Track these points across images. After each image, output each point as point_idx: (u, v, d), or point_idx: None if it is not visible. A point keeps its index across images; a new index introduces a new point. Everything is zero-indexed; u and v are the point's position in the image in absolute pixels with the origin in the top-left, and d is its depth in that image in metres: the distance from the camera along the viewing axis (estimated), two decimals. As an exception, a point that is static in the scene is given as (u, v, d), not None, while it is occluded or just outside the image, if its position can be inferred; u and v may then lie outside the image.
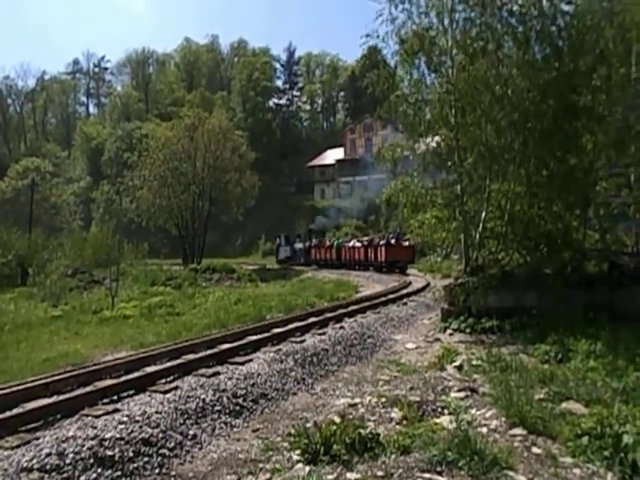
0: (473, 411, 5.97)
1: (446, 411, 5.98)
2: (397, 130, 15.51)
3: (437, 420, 5.64)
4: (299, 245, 42.06)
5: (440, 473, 4.38)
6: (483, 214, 11.75)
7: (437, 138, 12.50)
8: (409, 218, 12.77)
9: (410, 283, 21.71)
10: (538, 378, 6.89)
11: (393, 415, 5.92)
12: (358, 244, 34.65)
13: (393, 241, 30.69)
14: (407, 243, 29.66)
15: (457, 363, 8.24)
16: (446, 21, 11.54)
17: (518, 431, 5.27)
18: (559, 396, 6.05)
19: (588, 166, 11.70)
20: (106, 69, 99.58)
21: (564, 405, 5.79)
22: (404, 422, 5.67)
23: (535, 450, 4.88)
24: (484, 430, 5.34)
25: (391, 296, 16.70)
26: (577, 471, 4.45)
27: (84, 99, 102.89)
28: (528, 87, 10.93)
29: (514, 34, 11.08)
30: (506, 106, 11.05)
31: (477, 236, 11.82)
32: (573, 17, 11.12)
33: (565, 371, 7.18)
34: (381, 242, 31.23)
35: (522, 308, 10.85)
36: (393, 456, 4.70)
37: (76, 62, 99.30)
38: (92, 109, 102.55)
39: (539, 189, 11.52)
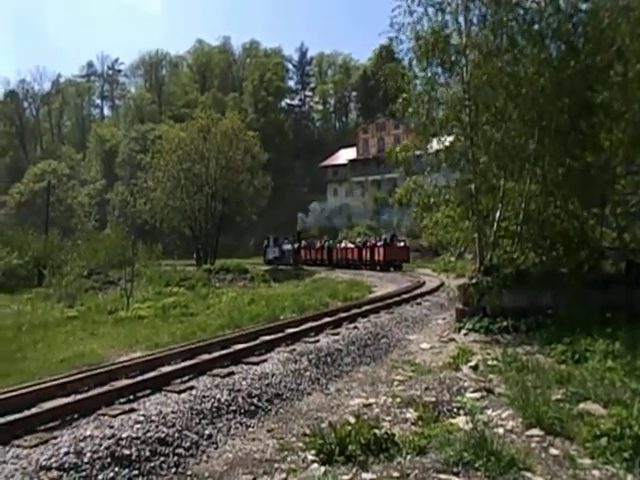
0: (489, 412, 5.92)
1: (462, 412, 5.94)
2: (409, 130, 15.45)
3: (453, 421, 5.61)
4: (287, 246, 42.95)
5: (456, 474, 4.35)
6: (497, 213, 11.66)
7: (450, 137, 12.43)
8: (422, 217, 12.71)
9: (424, 283, 21.62)
10: (555, 378, 6.81)
11: (408, 415, 5.89)
12: (351, 245, 37.38)
13: (388, 242, 33.57)
14: (402, 244, 33.98)
15: (472, 363, 8.18)
16: (461, 19, 11.47)
17: (535, 432, 5.21)
18: (577, 397, 5.98)
19: (605, 164, 11.55)
20: (120, 71, 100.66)
21: (582, 406, 5.71)
22: (419, 422, 5.64)
23: (553, 451, 4.83)
24: (500, 431, 5.29)
25: (405, 296, 16.63)
26: (596, 473, 4.39)
27: (99, 101, 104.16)
28: (543, 85, 10.82)
29: (529, 32, 10.98)
30: (521, 104, 10.96)
31: (491, 235, 11.73)
32: (589, 14, 10.99)
33: (582, 371, 7.10)
34: (378, 243, 33.70)
35: (538, 308, 10.73)
36: (409, 457, 4.67)
37: (90, 65, 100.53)
38: (106, 111, 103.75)
39: (555, 187, 11.40)
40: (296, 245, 42.35)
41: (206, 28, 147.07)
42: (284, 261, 41.23)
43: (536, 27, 11.02)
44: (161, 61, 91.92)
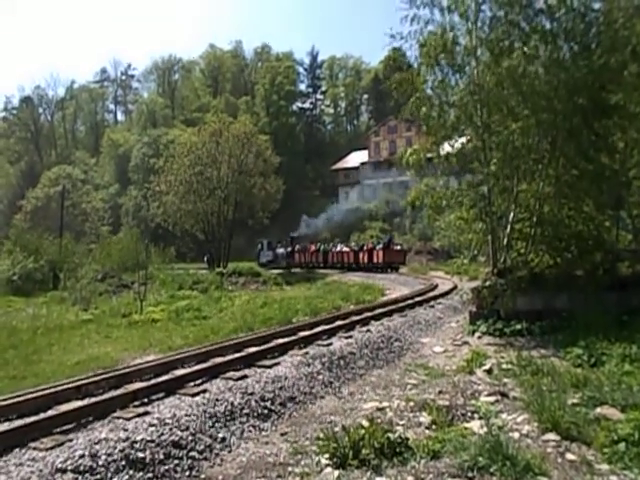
0: (504, 416, 5.87)
1: (476, 415, 5.90)
2: (421, 132, 15.41)
3: (467, 425, 5.57)
4: (280, 250, 44.00)
5: (471, 479, 4.31)
6: (511, 215, 11.58)
7: (462, 139, 12.37)
8: (434, 220, 12.66)
9: (437, 286, 21.51)
10: (571, 382, 6.74)
11: (422, 419, 5.86)
12: (346, 249, 39.24)
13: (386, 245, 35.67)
14: (399, 247, 36.98)
15: (486, 367, 8.12)
16: (471, 20, 11.42)
17: (551, 436, 5.16)
18: (593, 401, 5.91)
19: (620, 165, 11.44)
20: (133, 77, 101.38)
21: (599, 410, 5.64)
22: (433, 426, 5.61)
23: (569, 456, 4.77)
24: (516, 435, 5.24)
25: (418, 299, 16.56)
26: (614, 479, 4.33)
27: (112, 106, 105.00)
28: (556, 85, 10.74)
29: (542, 32, 10.91)
30: (533, 105, 10.88)
31: (505, 237, 11.65)
32: (603, 13, 10.90)
33: (599, 375, 7.02)
34: (377, 246, 35.75)
35: (552, 311, 10.64)
36: (423, 461, 4.65)
37: (104, 71, 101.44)
38: (120, 116, 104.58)
39: (569, 189, 11.30)
40: (289, 249, 43.39)
41: (217, 33, 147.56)
42: (277, 264, 41.92)
43: (548, 27, 10.95)
44: (174, 66, 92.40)
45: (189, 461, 5.06)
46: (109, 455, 4.73)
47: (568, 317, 10.24)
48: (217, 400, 6.28)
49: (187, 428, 5.51)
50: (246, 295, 21.21)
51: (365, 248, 36.83)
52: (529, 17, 11.05)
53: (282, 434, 5.85)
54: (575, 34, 10.93)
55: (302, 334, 10.17)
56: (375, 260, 34.75)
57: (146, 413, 5.76)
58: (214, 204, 39.68)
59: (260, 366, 7.88)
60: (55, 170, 67.81)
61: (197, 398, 6.30)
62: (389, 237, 38.07)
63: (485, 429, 5.21)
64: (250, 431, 5.90)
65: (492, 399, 6.46)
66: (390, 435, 4.93)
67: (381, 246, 35.24)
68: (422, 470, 4.47)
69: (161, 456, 4.96)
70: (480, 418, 5.77)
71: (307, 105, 79.47)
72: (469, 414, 5.95)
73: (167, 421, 5.53)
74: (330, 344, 9.52)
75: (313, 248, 42.03)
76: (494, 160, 11.49)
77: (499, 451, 4.47)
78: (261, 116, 70.05)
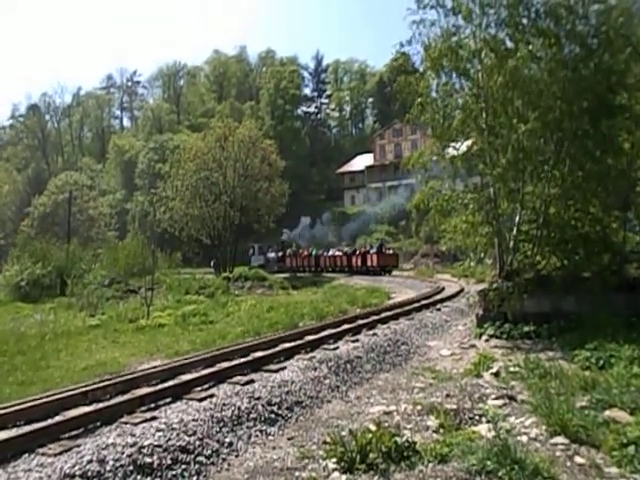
0: (512, 419, 5.84)
1: (484, 419, 5.87)
2: (427, 135, 15.41)
3: (475, 428, 5.54)
4: (271, 254, 45.37)
5: (479, 483, 4.29)
6: (517, 217, 11.54)
7: (468, 142, 12.36)
8: (440, 223, 12.63)
9: (443, 288, 21.46)
10: (579, 385, 6.71)
11: (429, 423, 5.84)
12: (339, 253, 41.28)
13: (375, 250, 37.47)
14: (391, 251, 39.06)
15: (494, 370, 8.09)
16: (475, 23, 11.42)
17: (560, 440, 5.13)
18: (602, 404, 5.88)
19: (627, 166, 11.38)
20: (138, 83, 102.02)
21: (607, 413, 5.61)
22: (441, 430, 5.59)
23: (578, 460, 4.74)
24: (524, 439, 5.22)
25: (424, 302, 16.52)
26: (624, 482, 4.30)
27: (118, 113, 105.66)
28: (561, 87, 10.72)
29: (545, 34, 10.90)
30: (538, 107, 10.86)
31: (511, 240, 11.61)
32: (604, 15, 10.88)
33: (608, 378, 6.97)
34: (371, 250, 37.44)
35: (560, 313, 10.59)
36: (430, 465, 4.63)
37: (110, 77, 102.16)
38: (126, 122, 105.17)
39: (575, 190, 11.25)
40: (280, 254, 44.51)
41: (223, 38, 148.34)
42: (268, 268, 42.41)
43: (550, 29, 10.94)
44: (179, 72, 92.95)
45: (196, 466, 5.07)
46: (117, 460, 4.74)
47: (576, 319, 10.19)
48: (224, 405, 6.28)
49: (194, 433, 5.51)
50: (252, 299, 21.20)
51: (358, 252, 38.42)
52: (532, 19, 11.04)
53: (289, 438, 5.85)
54: (577, 35, 10.92)
55: (308, 338, 10.17)
56: (369, 264, 36.32)
57: (153, 418, 5.77)
58: (220, 209, 39.72)
59: (267, 370, 7.88)
60: (62, 177, 68.16)
61: (204, 403, 6.31)
62: (380, 242, 39.96)
63: (493, 433, 5.19)
64: (257, 436, 5.90)
65: (500, 402, 6.44)
66: (397, 439, 4.91)
67: (374, 250, 36.82)
68: (430, 474, 4.46)
69: (169, 461, 4.97)
70: (488, 422, 5.75)
71: (312, 109, 79.58)
72: (477, 417, 5.93)
73: (174, 426, 5.54)
74: (337, 348, 9.51)
75: (305, 253, 42.96)
76: (500, 162, 11.48)
77: (507, 455, 4.45)
78: (266, 120, 70.12)
